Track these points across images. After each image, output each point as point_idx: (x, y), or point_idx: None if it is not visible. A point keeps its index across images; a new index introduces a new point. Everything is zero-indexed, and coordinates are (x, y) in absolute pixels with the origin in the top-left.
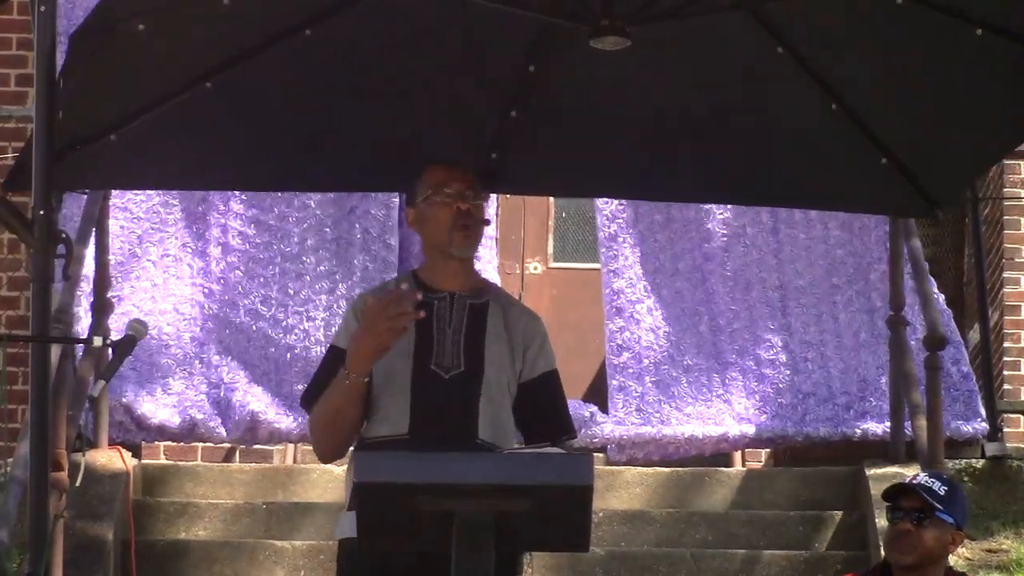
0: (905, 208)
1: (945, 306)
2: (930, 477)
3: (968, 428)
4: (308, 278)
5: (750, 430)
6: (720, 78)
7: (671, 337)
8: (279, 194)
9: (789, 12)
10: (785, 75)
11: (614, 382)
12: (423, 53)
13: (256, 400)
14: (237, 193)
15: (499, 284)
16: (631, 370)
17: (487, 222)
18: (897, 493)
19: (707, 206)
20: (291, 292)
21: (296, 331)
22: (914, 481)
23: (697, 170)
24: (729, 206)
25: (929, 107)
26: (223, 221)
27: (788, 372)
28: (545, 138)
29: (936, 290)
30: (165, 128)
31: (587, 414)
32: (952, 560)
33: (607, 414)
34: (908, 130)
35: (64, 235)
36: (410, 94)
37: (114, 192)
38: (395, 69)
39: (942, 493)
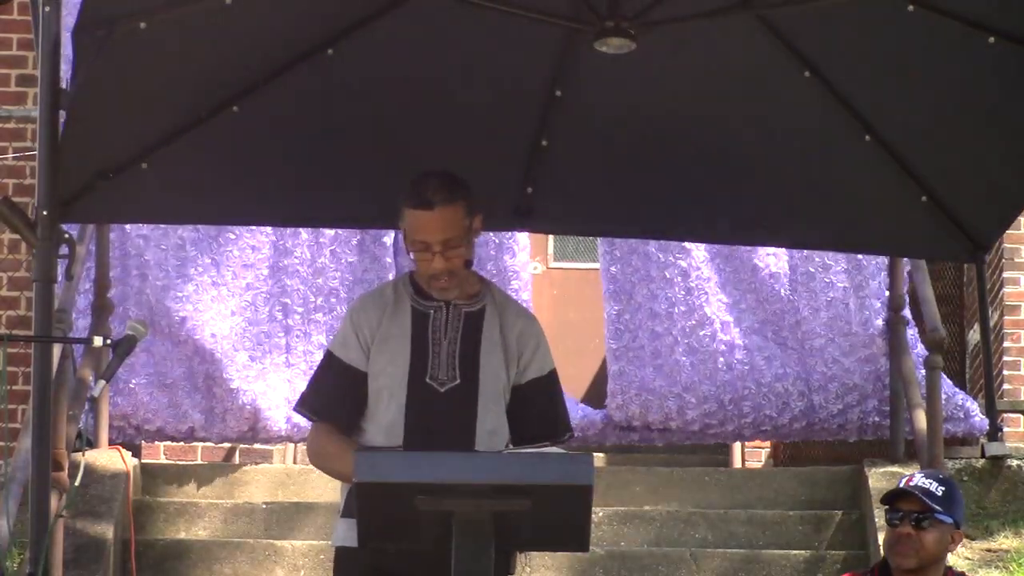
0: (949, 251)
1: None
2: (926, 477)
3: (963, 425)
4: (304, 274)
5: (751, 419)
6: (749, 109)
7: (673, 320)
8: None
9: (809, 35)
10: (814, 103)
11: (614, 368)
12: (446, 82)
13: (256, 400)
14: None
15: (528, 283)
16: (632, 354)
17: (469, 264)
18: (895, 496)
19: None
20: (289, 291)
21: (297, 332)
22: (911, 483)
23: (732, 211)
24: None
25: (965, 140)
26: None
27: (791, 366)
28: (578, 170)
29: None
30: (194, 155)
31: (586, 412)
32: (952, 560)
33: (606, 407)
34: (945, 163)
35: (67, 235)
36: (436, 125)
37: None
38: (419, 101)
39: (940, 494)
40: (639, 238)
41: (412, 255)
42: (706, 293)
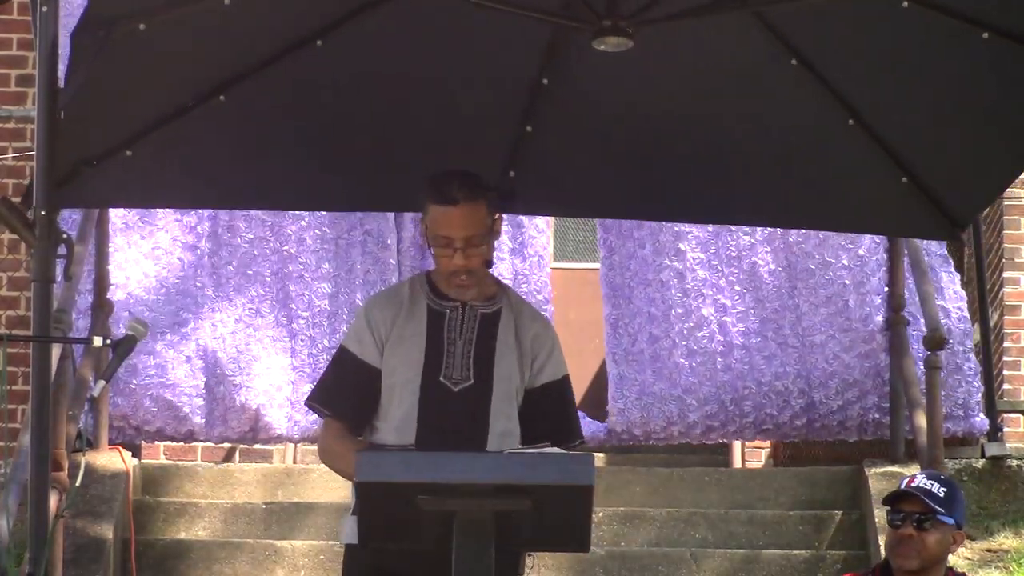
0: (927, 230)
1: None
2: (928, 479)
3: (964, 424)
4: (308, 279)
5: (751, 419)
6: (735, 95)
7: (671, 323)
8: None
9: (800, 23)
10: (800, 90)
11: (614, 372)
12: (434, 68)
13: (259, 400)
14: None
15: (549, 285)
16: (631, 358)
17: (489, 264)
18: (897, 497)
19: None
20: (294, 296)
21: (301, 337)
22: (912, 484)
23: (714, 190)
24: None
25: (945, 123)
26: (219, 218)
27: (791, 364)
28: (561, 155)
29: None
30: (181, 143)
31: (591, 427)
32: (952, 560)
33: (607, 408)
34: (926, 146)
35: (65, 235)
36: (423, 110)
37: None
38: (407, 84)
39: (941, 495)
40: (621, 219)
41: (432, 251)
42: (702, 295)
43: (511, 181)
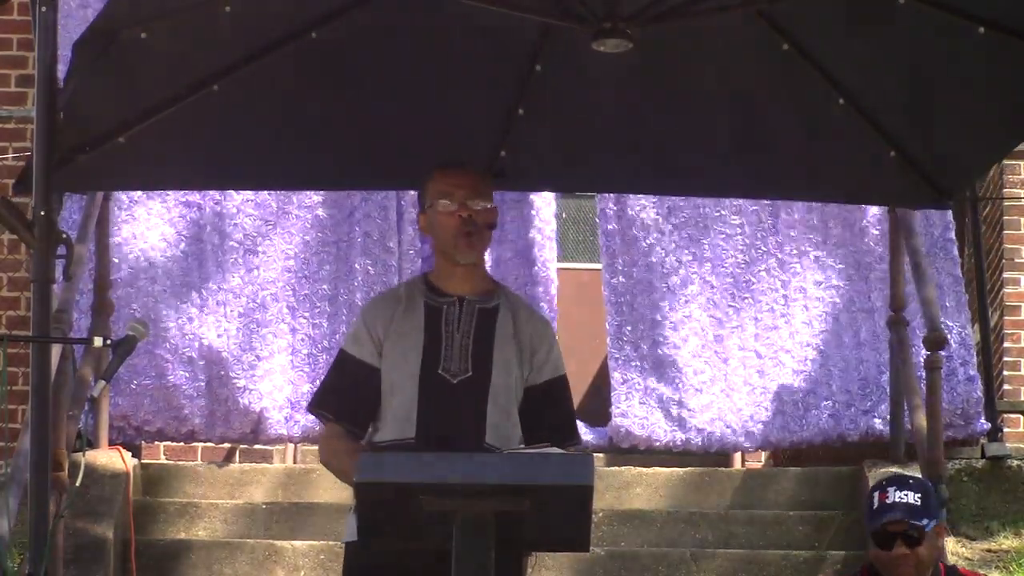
0: (915, 199)
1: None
2: (900, 491)
3: (964, 431)
4: (309, 280)
5: (752, 427)
6: (726, 75)
7: (673, 331)
8: (280, 193)
9: (793, 11)
10: (791, 71)
11: (616, 375)
12: (429, 52)
13: (260, 401)
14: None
15: (556, 284)
16: (634, 364)
17: (493, 227)
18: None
19: (705, 203)
20: (294, 294)
21: (302, 336)
22: (887, 501)
23: (705, 165)
24: (728, 202)
25: (936, 101)
26: (224, 219)
27: (790, 370)
28: (552, 135)
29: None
30: (173, 129)
31: (594, 432)
32: (953, 560)
33: (609, 411)
34: (915, 123)
35: (65, 235)
36: (417, 92)
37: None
38: (402, 68)
39: (919, 503)
40: (613, 193)
41: (439, 212)
42: (702, 304)
43: (501, 160)
